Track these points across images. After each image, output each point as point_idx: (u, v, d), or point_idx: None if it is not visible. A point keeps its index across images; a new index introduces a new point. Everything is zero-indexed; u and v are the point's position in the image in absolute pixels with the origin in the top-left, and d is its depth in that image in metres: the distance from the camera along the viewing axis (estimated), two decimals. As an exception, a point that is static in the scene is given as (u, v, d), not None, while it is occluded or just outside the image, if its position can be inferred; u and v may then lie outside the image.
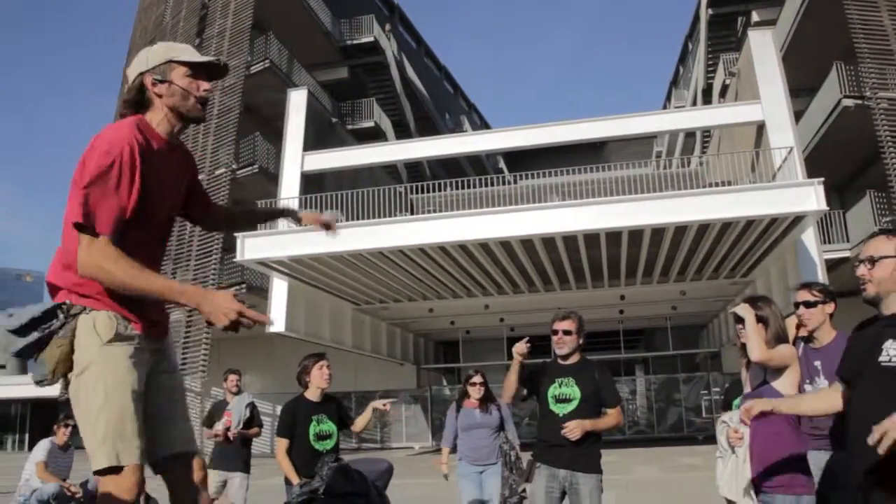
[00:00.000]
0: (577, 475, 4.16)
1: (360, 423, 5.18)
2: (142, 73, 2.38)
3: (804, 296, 3.66)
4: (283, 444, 4.78)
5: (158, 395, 2.43)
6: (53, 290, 2.34)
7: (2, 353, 54.77)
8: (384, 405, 5.07)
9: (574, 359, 4.38)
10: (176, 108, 2.39)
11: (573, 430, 4.11)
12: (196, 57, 2.41)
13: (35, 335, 2.25)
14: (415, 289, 20.54)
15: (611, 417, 4.32)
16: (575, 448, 4.17)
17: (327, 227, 3.05)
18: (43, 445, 6.77)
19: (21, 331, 2.26)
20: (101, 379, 2.22)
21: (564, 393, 4.27)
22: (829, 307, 3.73)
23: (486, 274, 18.87)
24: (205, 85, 2.42)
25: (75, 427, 7.15)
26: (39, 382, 2.32)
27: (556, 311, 4.47)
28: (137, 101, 2.42)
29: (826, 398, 2.85)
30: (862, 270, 2.66)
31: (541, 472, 4.24)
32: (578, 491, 4.15)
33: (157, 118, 2.41)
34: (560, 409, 4.25)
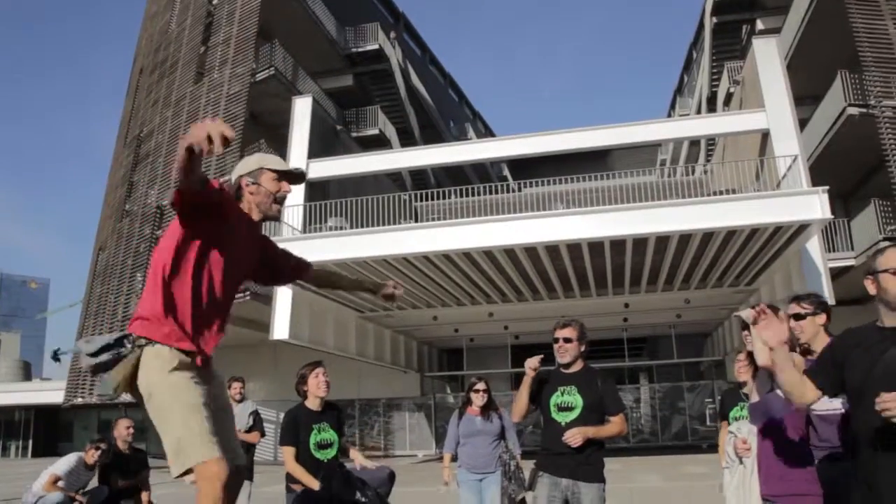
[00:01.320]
0: (579, 484, 4.14)
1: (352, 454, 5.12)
2: (240, 176, 3.01)
3: (794, 309, 3.62)
4: (290, 452, 4.73)
5: (217, 413, 2.79)
6: (132, 323, 2.79)
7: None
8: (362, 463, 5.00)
9: (577, 367, 4.35)
10: (258, 204, 2.99)
11: (574, 436, 4.09)
12: (283, 166, 3.05)
13: (105, 357, 2.66)
14: (419, 296, 20.53)
15: (614, 425, 4.28)
16: (577, 457, 4.15)
17: (391, 297, 3.46)
18: (69, 459, 6.78)
19: (95, 353, 2.66)
20: (167, 400, 2.62)
21: (566, 401, 4.24)
22: (821, 318, 3.67)
23: (490, 282, 18.87)
24: (285, 187, 3.02)
25: (105, 451, 7.14)
26: (101, 397, 2.71)
27: (558, 319, 4.45)
28: (235, 196, 3.01)
29: (802, 385, 2.79)
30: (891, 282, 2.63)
31: (543, 480, 4.21)
32: (580, 500, 4.13)
33: (250, 206, 3.01)
34: (562, 418, 4.23)
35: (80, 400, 27.39)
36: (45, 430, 39.96)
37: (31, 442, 41.28)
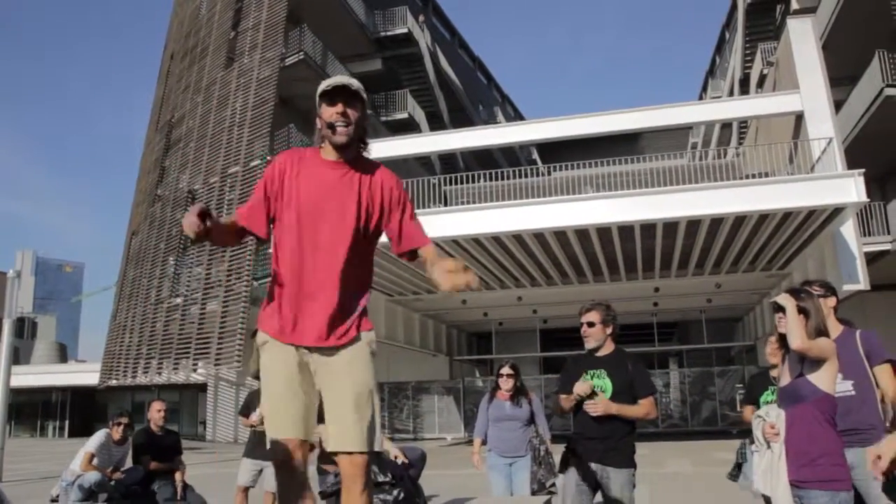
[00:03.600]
0: (608, 469, 4.12)
1: None
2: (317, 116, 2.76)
3: None
4: None
5: (329, 393, 2.69)
6: None
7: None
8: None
9: (606, 350, 4.31)
10: (326, 137, 2.73)
11: (596, 406, 4.07)
12: (322, 88, 2.72)
13: None
14: (448, 280, 20.56)
15: (641, 407, 4.23)
16: (607, 441, 4.13)
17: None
18: (98, 437, 6.88)
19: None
20: (262, 377, 2.73)
21: (597, 385, 4.20)
22: (831, 301, 3.75)
23: (520, 265, 18.85)
24: (337, 109, 2.68)
25: (128, 425, 7.24)
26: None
27: (583, 304, 4.42)
28: (320, 137, 2.80)
29: None
30: None
31: (573, 465, 4.22)
32: (610, 485, 4.12)
33: (326, 146, 2.78)
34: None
35: (114, 382, 27.92)
36: (80, 410, 40.75)
37: (67, 422, 42.16)
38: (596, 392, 4.16)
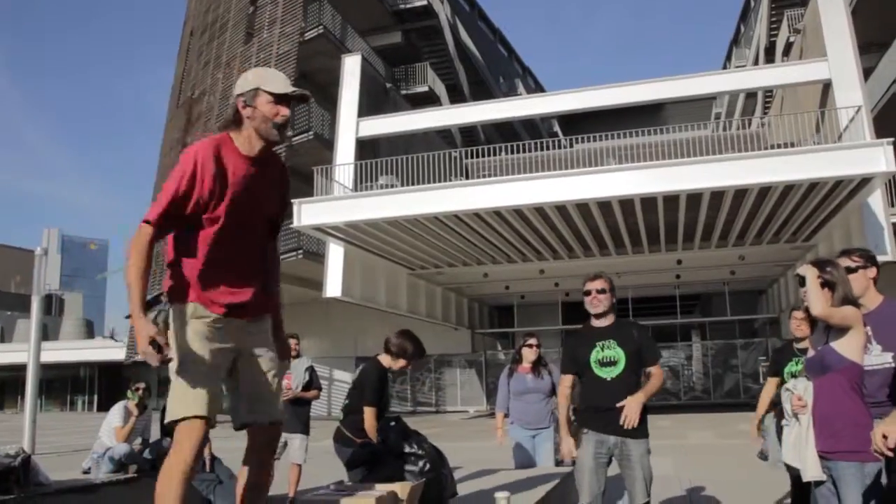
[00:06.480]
0: (627, 441, 4.11)
1: None
2: (237, 96, 2.73)
3: (844, 262, 3.55)
4: (373, 412, 4.58)
5: (248, 372, 2.82)
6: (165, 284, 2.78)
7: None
8: None
9: (609, 320, 4.30)
10: (257, 130, 2.72)
11: (632, 417, 4.03)
12: (280, 88, 2.71)
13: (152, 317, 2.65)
14: (469, 253, 20.57)
15: (655, 380, 4.22)
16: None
17: None
18: (118, 410, 6.97)
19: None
20: (179, 351, 2.64)
21: (608, 356, 4.18)
22: (871, 271, 3.64)
23: (542, 238, 18.78)
24: (283, 111, 2.71)
25: (146, 390, 7.30)
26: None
27: (586, 275, 4.42)
28: (236, 119, 2.76)
29: None
30: None
31: (588, 438, 4.18)
32: (630, 456, 4.11)
33: (242, 137, 2.76)
34: (606, 373, 4.17)
35: (140, 357, 28.29)
36: (108, 385, 41.46)
37: (96, 397, 42.95)
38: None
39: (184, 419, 2.59)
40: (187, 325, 2.64)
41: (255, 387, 2.82)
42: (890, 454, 2.74)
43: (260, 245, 2.88)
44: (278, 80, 2.75)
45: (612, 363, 4.17)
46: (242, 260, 2.78)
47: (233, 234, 2.72)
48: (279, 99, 2.71)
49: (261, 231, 2.87)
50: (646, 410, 4.18)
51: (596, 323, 4.33)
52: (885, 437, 2.77)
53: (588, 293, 4.31)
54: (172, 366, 2.63)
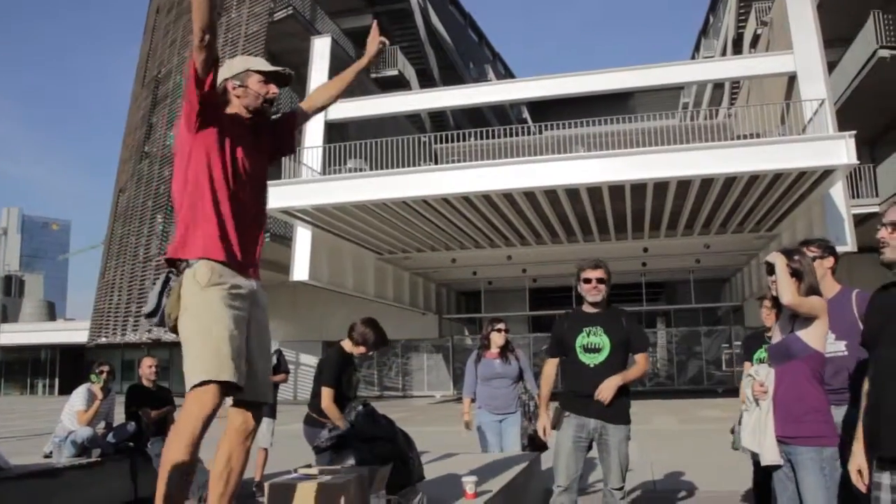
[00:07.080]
0: (607, 426, 4.16)
1: None
2: (226, 80, 2.96)
3: None
4: (330, 392, 4.86)
5: (255, 332, 2.84)
6: (170, 261, 2.80)
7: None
8: None
9: (601, 307, 4.35)
10: (247, 106, 2.97)
11: (605, 393, 4.09)
12: (268, 67, 3.04)
13: (164, 301, 2.74)
14: (438, 239, 20.58)
15: (637, 367, 4.29)
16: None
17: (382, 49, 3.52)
18: (80, 392, 6.87)
19: (154, 310, 2.77)
20: (198, 316, 2.63)
21: (593, 342, 4.22)
22: (828, 261, 3.76)
23: (510, 224, 18.85)
24: (273, 89, 3.02)
25: (110, 373, 7.21)
26: (165, 329, 2.79)
27: (584, 261, 4.42)
28: (223, 100, 2.96)
29: None
30: (882, 233, 2.76)
31: (569, 421, 4.22)
32: (608, 441, 4.16)
33: (234, 106, 2.98)
34: (590, 360, 4.21)
35: (103, 340, 27.93)
36: (70, 368, 40.85)
37: (57, 380, 42.28)
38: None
39: (208, 382, 2.54)
40: (206, 289, 2.65)
41: (256, 363, 2.81)
42: (865, 490, 2.80)
43: (261, 205, 3.07)
44: (265, 63, 3.06)
45: (597, 350, 4.21)
46: (249, 218, 2.92)
47: (238, 189, 2.85)
48: (269, 78, 3.00)
49: (258, 188, 3.05)
50: (628, 396, 4.24)
51: (587, 309, 4.36)
52: (859, 472, 2.84)
53: (588, 281, 4.31)
54: (193, 329, 2.61)
